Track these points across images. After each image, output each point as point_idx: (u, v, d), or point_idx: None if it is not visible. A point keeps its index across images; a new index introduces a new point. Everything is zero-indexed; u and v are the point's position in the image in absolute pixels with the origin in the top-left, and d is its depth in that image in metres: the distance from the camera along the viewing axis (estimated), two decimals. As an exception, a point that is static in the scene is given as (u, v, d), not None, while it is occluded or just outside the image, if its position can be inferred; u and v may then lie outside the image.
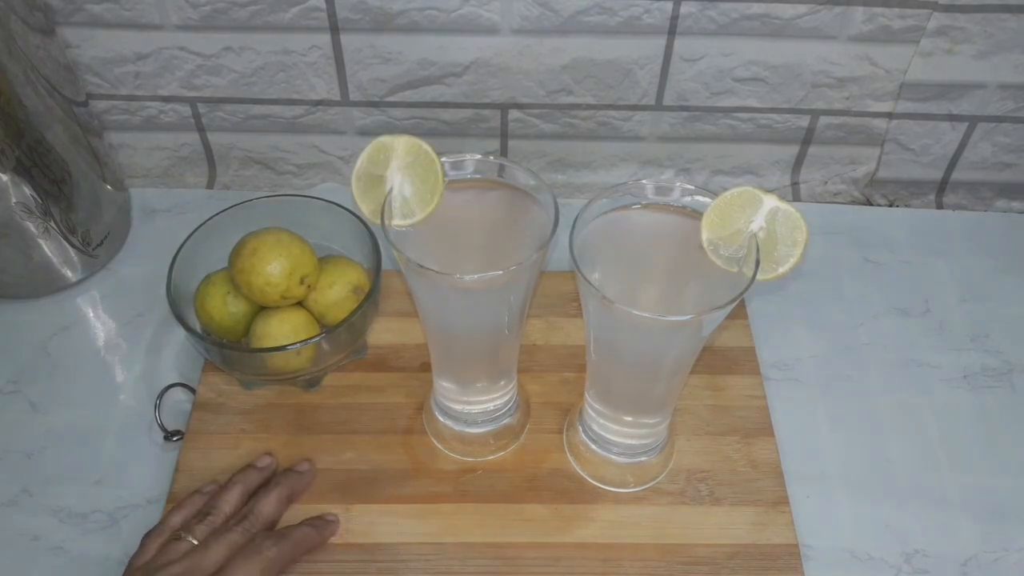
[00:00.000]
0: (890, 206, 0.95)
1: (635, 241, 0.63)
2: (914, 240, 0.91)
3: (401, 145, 0.61)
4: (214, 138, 0.92)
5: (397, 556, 0.67)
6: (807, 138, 0.91)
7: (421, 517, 0.69)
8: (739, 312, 0.82)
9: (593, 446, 0.72)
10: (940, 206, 0.95)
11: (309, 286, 0.74)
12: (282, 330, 0.73)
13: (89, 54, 0.85)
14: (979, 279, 0.87)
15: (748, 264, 0.58)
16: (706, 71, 0.85)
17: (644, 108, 0.88)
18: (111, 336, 0.81)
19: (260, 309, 0.75)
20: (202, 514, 0.65)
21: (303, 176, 0.95)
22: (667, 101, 0.87)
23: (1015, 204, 0.94)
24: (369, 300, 0.74)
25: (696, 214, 0.61)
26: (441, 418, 0.74)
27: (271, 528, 0.67)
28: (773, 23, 0.81)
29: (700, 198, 0.61)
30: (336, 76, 0.86)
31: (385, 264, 0.76)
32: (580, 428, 0.73)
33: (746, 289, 0.57)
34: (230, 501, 0.66)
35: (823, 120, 0.89)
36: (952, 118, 0.88)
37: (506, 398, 0.73)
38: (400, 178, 0.61)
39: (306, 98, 0.88)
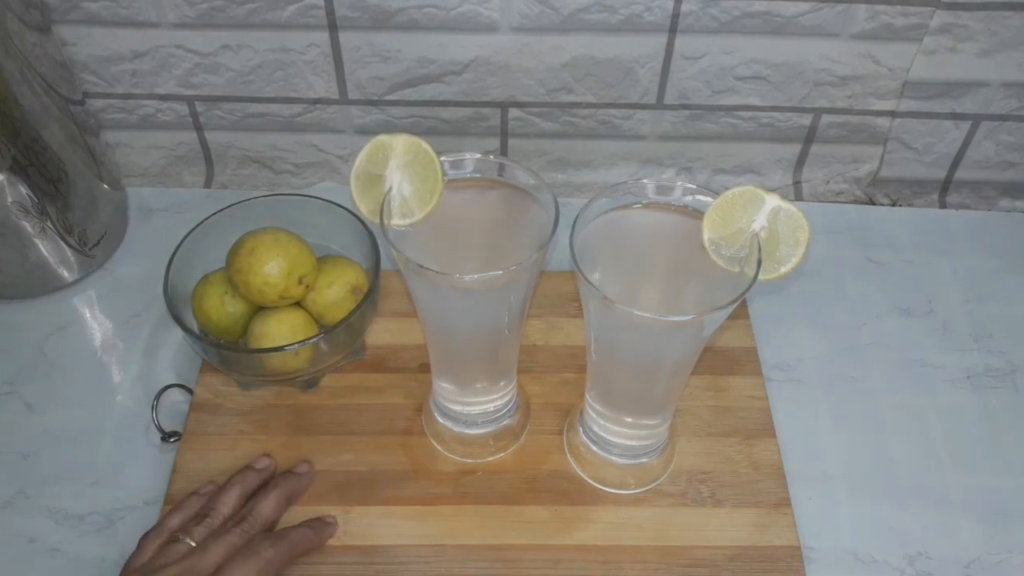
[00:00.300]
0: (893, 205, 0.95)
1: (636, 241, 0.63)
2: (917, 240, 0.91)
3: (400, 144, 0.61)
4: (211, 137, 0.92)
5: (396, 558, 0.67)
6: (809, 137, 0.91)
7: (420, 519, 0.69)
8: (741, 312, 0.82)
9: (593, 447, 0.72)
10: (943, 205, 0.95)
11: (307, 286, 0.74)
12: (280, 330, 0.73)
13: (86, 52, 0.85)
14: (983, 279, 0.87)
15: (750, 264, 0.58)
16: (707, 69, 0.85)
17: (645, 107, 0.88)
18: (108, 336, 0.81)
19: (258, 309, 0.75)
20: (200, 516, 0.65)
21: (301, 175, 0.95)
22: (668, 100, 0.87)
23: (1019, 203, 0.94)
24: (368, 300, 0.74)
25: (697, 213, 0.61)
26: (440, 419, 0.74)
27: (269, 530, 0.67)
28: (775, 21, 0.81)
29: (701, 197, 0.61)
30: (334, 74, 0.86)
31: (384, 264, 0.76)
32: (580, 429, 0.73)
33: (748, 289, 0.57)
34: (228, 503, 0.66)
35: (825, 119, 0.89)
36: (955, 117, 0.88)
37: (506, 399, 0.73)
38: (399, 177, 0.61)
39: (304, 96, 0.88)
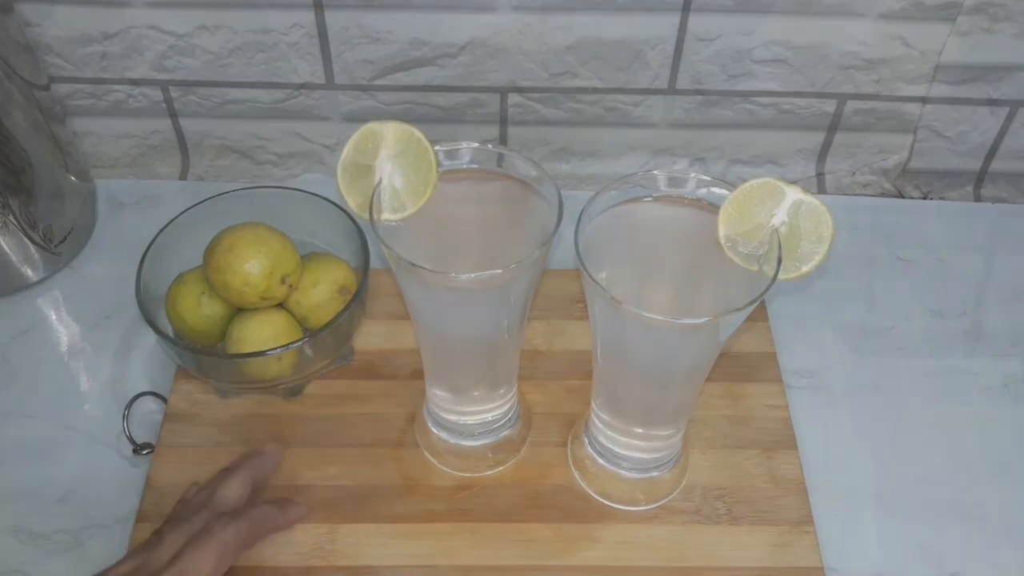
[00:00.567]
0: (924, 198, 0.95)
1: (646, 237, 0.63)
2: (950, 236, 0.91)
3: (391, 132, 0.61)
4: (187, 125, 0.92)
5: (387, 580, 0.67)
6: (833, 125, 0.91)
7: (413, 538, 0.69)
8: (759, 314, 0.82)
9: (600, 460, 0.72)
10: (978, 198, 0.95)
11: (291, 286, 0.74)
12: (261, 334, 0.73)
13: (51, 33, 0.85)
14: (1021, 278, 0.87)
15: (769, 262, 0.58)
16: (723, 51, 0.85)
17: (655, 92, 0.88)
18: (75, 340, 0.81)
19: (237, 311, 0.75)
20: (174, 517, 0.65)
21: (284, 166, 0.95)
22: (681, 84, 0.87)
23: (1060, 196, 0.94)
24: (356, 301, 0.74)
25: (712, 207, 0.60)
26: (435, 430, 0.74)
27: None
28: (796, -1, 0.82)
29: (717, 190, 0.61)
30: (320, 57, 0.86)
31: (373, 262, 0.76)
32: (586, 441, 0.73)
33: (767, 289, 0.57)
34: (200, 498, 0.67)
35: (851, 105, 0.89)
36: (991, 103, 0.88)
37: (505, 408, 0.73)
38: (390, 168, 0.61)
39: (287, 81, 0.88)
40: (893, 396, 0.79)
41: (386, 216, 0.61)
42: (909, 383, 0.80)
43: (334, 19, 0.83)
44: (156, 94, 0.89)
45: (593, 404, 0.70)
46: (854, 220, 0.92)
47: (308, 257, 0.76)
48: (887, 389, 0.79)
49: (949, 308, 0.85)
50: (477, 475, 0.73)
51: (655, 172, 0.62)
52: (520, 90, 0.88)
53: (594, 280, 0.57)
